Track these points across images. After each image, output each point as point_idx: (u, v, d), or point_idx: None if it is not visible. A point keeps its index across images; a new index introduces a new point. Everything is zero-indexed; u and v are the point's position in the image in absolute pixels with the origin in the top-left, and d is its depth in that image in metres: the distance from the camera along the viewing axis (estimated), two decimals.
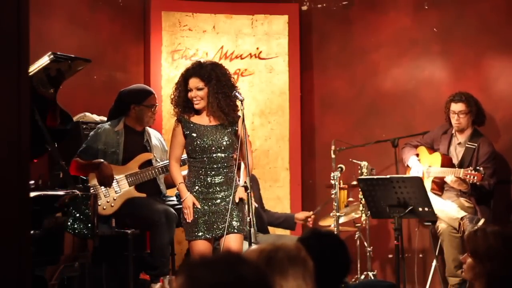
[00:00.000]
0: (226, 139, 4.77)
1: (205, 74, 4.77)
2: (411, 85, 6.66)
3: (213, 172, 4.74)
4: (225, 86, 4.79)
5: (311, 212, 5.85)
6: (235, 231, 4.70)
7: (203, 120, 4.81)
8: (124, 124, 5.48)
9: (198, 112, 4.81)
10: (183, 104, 4.81)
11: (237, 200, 4.73)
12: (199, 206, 4.71)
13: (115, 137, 5.42)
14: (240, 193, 4.73)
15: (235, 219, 4.71)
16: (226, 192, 4.74)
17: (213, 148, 4.75)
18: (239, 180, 4.80)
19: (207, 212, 4.72)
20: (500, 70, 6.37)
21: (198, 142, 4.74)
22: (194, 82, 4.78)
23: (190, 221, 4.70)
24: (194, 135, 4.76)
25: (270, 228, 6.23)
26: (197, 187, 4.74)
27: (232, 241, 4.69)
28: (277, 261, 2.38)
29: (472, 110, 5.97)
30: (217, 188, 4.74)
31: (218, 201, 4.74)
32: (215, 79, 4.76)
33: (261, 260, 2.38)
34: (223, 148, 4.76)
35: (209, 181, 4.74)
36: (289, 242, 2.54)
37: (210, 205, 4.73)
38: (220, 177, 4.75)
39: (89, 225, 4.32)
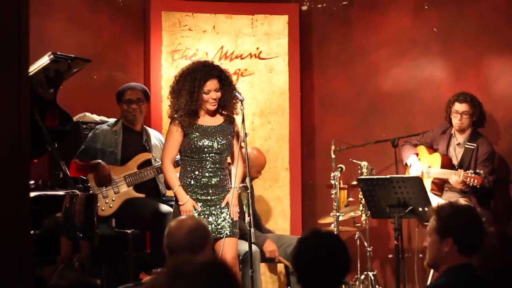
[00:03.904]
0: (225, 141, 4.76)
1: (220, 74, 4.74)
2: (411, 85, 6.66)
3: (209, 174, 4.71)
4: (231, 86, 4.79)
5: (277, 253, 5.50)
6: (228, 234, 4.69)
7: (204, 120, 4.77)
8: (122, 124, 5.47)
9: (198, 113, 4.77)
10: (194, 108, 4.69)
11: (223, 204, 4.72)
12: (199, 209, 4.68)
13: (113, 137, 5.41)
14: (230, 196, 4.72)
15: (228, 223, 4.70)
16: (221, 195, 4.74)
17: (211, 148, 4.72)
18: (231, 183, 4.80)
19: (204, 213, 4.70)
20: (500, 70, 6.37)
21: (198, 142, 4.71)
22: (213, 84, 4.69)
23: None
24: (195, 134, 4.72)
25: (269, 228, 6.23)
26: (192, 188, 4.71)
27: (226, 246, 4.67)
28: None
29: (475, 111, 5.98)
30: (213, 190, 4.72)
31: (213, 203, 4.72)
32: (226, 79, 4.76)
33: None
34: (222, 149, 4.74)
35: (205, 181, 4.71)
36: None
37: (205, 207, 4.71)
38: (216, 179, 4.73)
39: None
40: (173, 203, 5.35)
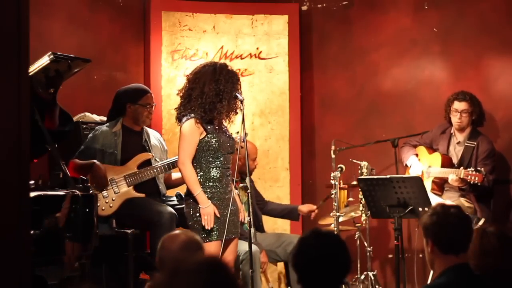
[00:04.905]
0: (232, 140, 4.74)
1: None
2: (411, 85, 6.66)
3: (228, 172, 4.69)
4: None
5: (315, 206, 5.88)
6: (233, 235, 4.70)
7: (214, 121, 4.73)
8: (122, 125, 5.46)
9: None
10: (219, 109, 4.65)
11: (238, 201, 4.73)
12: (218, 215, 4.61)
13: (113, 137, 5.40)
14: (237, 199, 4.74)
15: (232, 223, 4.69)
16: (229, 194, 4.71)
17: (228, 147, 4.69)
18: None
19: (221, 214, 4.65)
20: (500, 70, 6.37)
21: (218, 140, 4.64)
22: None
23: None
24: (215, 134, 4.66)
25: (269, 227, 6.23)
26: (217, 189, 4.65)
27: (230, 246, 4.67)
28: None
29: (475, 110, 5.98)
30: (228, 189, 4.70)
31: (226, 202, 4.69)
32: None
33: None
34: (233, 147, 4.72)
35: (225, 182, 4.68)
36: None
37: (224, 208, 4.66)
38: (229, 178, 4.71)
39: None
40: (172, 202, 5.34)
